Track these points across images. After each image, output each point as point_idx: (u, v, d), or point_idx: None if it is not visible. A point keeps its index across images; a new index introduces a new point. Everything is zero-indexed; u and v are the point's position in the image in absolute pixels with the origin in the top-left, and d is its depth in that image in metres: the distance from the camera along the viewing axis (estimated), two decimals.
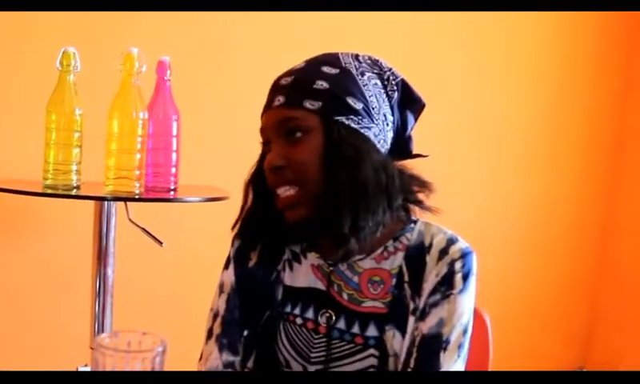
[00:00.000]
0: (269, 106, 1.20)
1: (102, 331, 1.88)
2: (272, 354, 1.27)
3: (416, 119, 1.30)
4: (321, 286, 1.26)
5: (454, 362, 1.16)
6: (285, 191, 1.17)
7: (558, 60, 3.30)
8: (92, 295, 1.90)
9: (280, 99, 1.17)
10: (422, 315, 1.18)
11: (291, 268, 1.30)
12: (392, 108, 1.23)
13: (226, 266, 1.34)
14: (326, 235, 1.22)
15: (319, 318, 1.24)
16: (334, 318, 1.23)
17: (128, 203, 1.87)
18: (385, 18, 2.72)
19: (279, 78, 1.20)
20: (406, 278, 1.22)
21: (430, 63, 2.93)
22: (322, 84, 1.15)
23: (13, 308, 2.11)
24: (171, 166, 1.89)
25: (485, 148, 3.19)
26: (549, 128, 3.36)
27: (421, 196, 1.26)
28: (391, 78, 1.23)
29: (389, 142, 1.23)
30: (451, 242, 1.22)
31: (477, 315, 1.53)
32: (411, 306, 1.20)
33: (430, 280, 1.19)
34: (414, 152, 1.30)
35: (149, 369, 0.90)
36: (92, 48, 1.90)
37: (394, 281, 1.22)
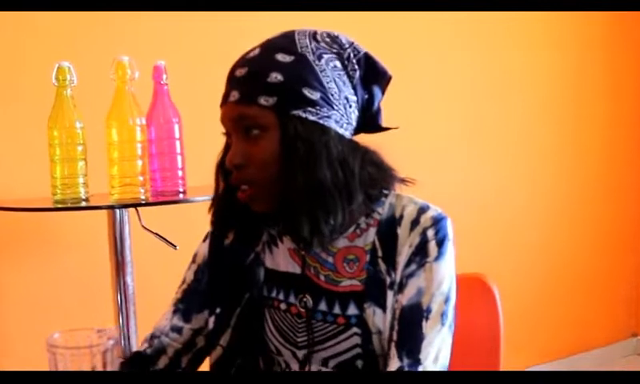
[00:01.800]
0: (225, 100, 1.16)
1: (129, 341, 1.90)
2: (261, 342, 1.26)
3: (383, 92, 1.24)
4: (298, 269, 1.24)
5: (438, 331, 1.13)
6: (244, 189, 1.16)
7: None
8: (114, 306, 1.92)
9: (235, 95, 1.13)
10: (400, 288, 1.15)
11: (270, 251, 1.28)
12: (355, 87, 1.18)
13: (204, 239, 1.34)
14: (289, 234, 1.20)
15: (299, 302, 1.23)
16: (310, 301, 1.21)
17: (139, 210, 1.89)
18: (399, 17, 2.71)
19: (234, 68, 1.16)
20: (380, 253, 1.19)
21: (452, 60, 2.94)
22: (275, 76, 1.10)
23: (36, 326, 2.15)
24: (178, 169, 1.90)
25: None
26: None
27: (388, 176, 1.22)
28: (352, 55, 1.17)
29: (354, 122, 1.19)
30: (422, 210, 1.18)
31: (484, 287, 1.49)
32: (388, 280, 1.17)
33: (404, 252, 1.16)
34: (384, 125, 1.26)
35: (99, 364, 0.89)
36: (87, 59, 1.92)
37: (368, 257, 1.19)
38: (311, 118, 1.11)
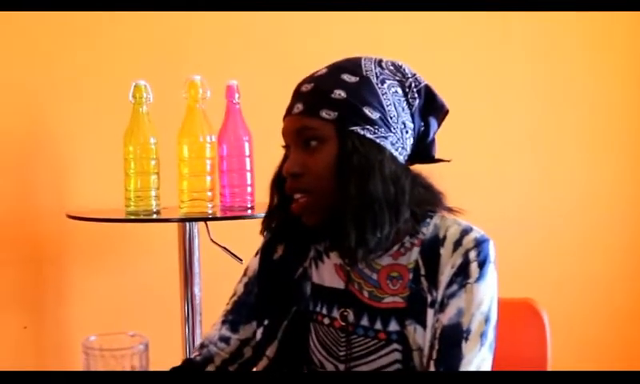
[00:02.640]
0: (289, 112, 1.23)
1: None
2: (305, 356, 1.29)
3: (439, 124, 1.29)
4: (342, 284, 1.27)
5: (478, 351, 1.13)
6: (300, 198, 1.20)
7: None
8: (182, 316, 1.99)
9: (299, 107, 1.19)
10: (441, 307, 1.17)
11: (317, 266, 1.32)
12: (413, 115, 1.23)
13: (256, 254, 1.39)
14: (337, 248, 1.23)
15: (340, 316, 1.26)
16: (352, 315, 1.24)
17: (208, 224, 1.95)
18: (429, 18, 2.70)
19: (301, 84, 1.23)
20: (422, 271, 1.21)
21: (498, 62, 2.87)
22: (339, 93, 1.17)
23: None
24: (247, 186, 1.96)
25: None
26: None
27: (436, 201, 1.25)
28: (413, 84, 1.23)
29: (408, 148, 1.23)
30: (465, 232, 1.20)
31: (533, 311, 1.48)
32: (429, 298, 1.19)
33: (446, 272, 1.18)
34: (437, 157, 1.30)
35: (130, 366, 0.94)
36: (162, 78, 2.01)
37: (411, 275, 1.21)
38: (369, 135, 1.16)
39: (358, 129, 1.16)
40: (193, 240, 1.99)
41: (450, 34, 2.78)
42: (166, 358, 1.82)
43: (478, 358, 1.13)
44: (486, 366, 1.15)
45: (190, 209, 1.87)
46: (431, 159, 1.30)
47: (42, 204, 2.17)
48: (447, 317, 1.15)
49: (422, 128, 1.26)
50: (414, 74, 1.24)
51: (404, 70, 1.24)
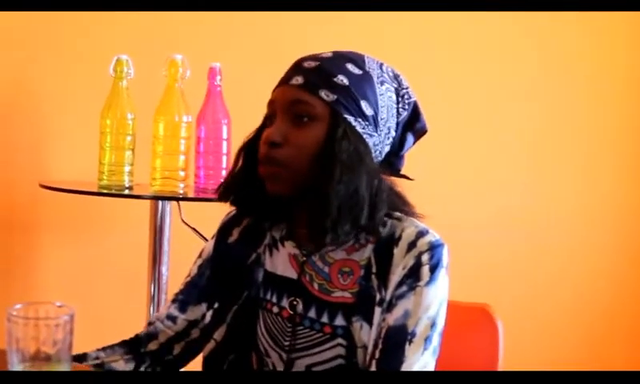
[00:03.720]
0: (285, 81, 1.21)
1: None
2: (252, 343, 1.30)
3: (414, 142, 1.31)
4: (294, 275, 1.27)
5: (420, 354, 1.13)
6: (271, 166, 1.19)
7: None
8: (147, 294, 1.99)
9: (299, 79, 1.19)
10: (389, 307, 1.16)
11: (271, 253, 1.31)
12: (397, 125, 1.25)
13: (213, 237, 1.39)
14: (304, 222, 1.22)
15: (289, 305, 1.25)
16: (301, 306, 1.24)
17: (180, 204, 1.95)
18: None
19: (303, 59, 1.23)
20: (374, 269, 1.20)
21: (495, 63, 2.85)
22: (342, 79, 1.18)
23: (69, 303, 2.24)
24: (222, 169, 1.95)
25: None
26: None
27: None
28: (406, 96, 1.25)
29: (383, 154, 1.25)
30: (421, 234, 1.19)
31: (487, 317, 1.47)
32: (377, 297, 1.18)
33: (397, 272, 1.17)
34: (402, 173, 1.31)
35: (57, 335, 0.93)
36: (144, 54, 2.00)
37: (362, 272, 1.21)
38: (359, 128, 1.17)
39: (351, 119, 1.17)
40: (164, 219, 1.99)
41: (447, 35, 2.76)
42: (129, 334, 1.83)
43: (420, 362, 1.13)
44: (428, 370, 1.14)
45: (161, 187, 1.87)
46: (396, 173, 1.30)
47: (17, 172, 2.17)
48: (394, 317, 1.15)
49: (399, 141, 1.27)
50: (408, 87, 1.27)
51: (401, 79, 1.26)
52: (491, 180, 2.92)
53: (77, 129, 2.19)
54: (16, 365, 0.93)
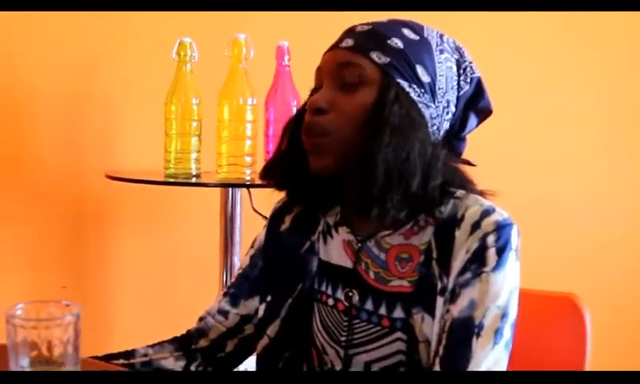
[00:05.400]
0: (334, 46, 1.13)
1: None
2: (308, 339, 1.20)
3: (478, 124, 1.19)
4: (349, 263, 1.16)
5: (490, 349, 0.99)
6: (316, 135, 1.09)
7: None
8: (219, 285, 1.92)
9: (349, 42, 1.10)
10: (452, 297, 1.04)
11: (325, 241, 1.21)
12: (458, 99, 1.14)
13: (265, 225, 1.31)
14: (351, 195, 1.12)
15: (344, 297, 1.15)
16: (357, 297, 1.13)
17: (251, 191, 1.87)
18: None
19: (356, 25, 1.14)
20: (435, 254, 1.07)
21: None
22: (397, 42, 1.08)
23: (142, 297, 2.22)
24: None
25: None
26: None
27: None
28: (468, 70, 1.15)
29: (442, 132, 1.13)
30: (486, 213, 1.05)
31: (573, 307, 1.32)
32: (439, 285, 1.06)
33: (460, 257, 1.04)
34: (464, 157, 1.19)
35: (62, 336, 0.86)
36: (208, 36, 1.92)
37: (421, 258, 1.09)
38: (413, 95, 1.07)
39: (405, 84, 1.07)
40: (235, 207, 1.92)
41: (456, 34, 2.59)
42: None
43: (490, 358, 0.99)
44: (500, 367, 1.01)
45: (227, 174, 1.80)
46: (457, 156, 1.18)
47: (85, 163, 2.15)
48: (458, 309, 1.02)
49: (460, 120, 1.16)
50: (472, 61, 1.16)
51: (463, 52, 1.16)
52: (580, 162, 2.77)
53: (142, 116, 2.15)
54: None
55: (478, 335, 1.00)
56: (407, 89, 1.06)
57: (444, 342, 1.01)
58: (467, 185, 1.11)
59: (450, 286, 1.04)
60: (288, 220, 1.26)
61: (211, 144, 1.83)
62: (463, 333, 1.00)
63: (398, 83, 1.06)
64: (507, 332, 1.01)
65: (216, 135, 1.81)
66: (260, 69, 1.83)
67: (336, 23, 1.31)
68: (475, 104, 1.16)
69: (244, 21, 2.18)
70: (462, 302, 1.02)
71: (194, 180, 1.82)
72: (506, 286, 1.02)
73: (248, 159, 1.80)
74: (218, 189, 1.92)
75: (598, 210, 2.76)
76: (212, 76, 1.80)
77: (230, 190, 1.90)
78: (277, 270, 1.24)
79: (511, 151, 2.59)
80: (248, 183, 1.80)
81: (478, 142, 1.28)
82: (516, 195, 2.38)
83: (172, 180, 1.81)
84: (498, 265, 1.02)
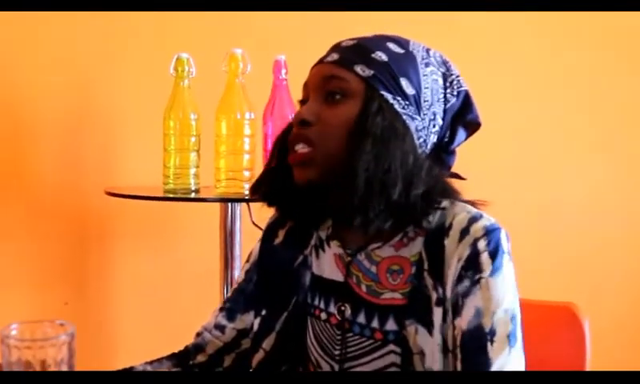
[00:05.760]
0: (321, 60, 1.15)
1: None
2: (302, 353, 1.20)
3: (467, 137, 1.20)
4: (341, 277, 1.17)
5: (507, 354, 1.00)
6: (301, 147, 1.10)
7: None
8: (220, 298, 1.92)
9: (334, 56, 1.12)
10: (457, 309, 1.04)
11: (317, 255, 1.22)
12: (445, 112, 1.14)
13: (259, 239, 1.32)
14: (333, 206, 1.12)
15: (337, 311, 1.16)
16: (349, 311, 1.14)
17: (251, 205, 1.88)
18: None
19: (342, 40, 1.16)
20: (426, 265, 1.08)
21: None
22: (381, 55, 1.09)
23: (143, 312, 2.22)
24: None
25: None
26: None
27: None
28: (455, 83, 1.15)
29: (429, 145, 1.13)
30: (473, 219, 1.06)
31: (573, 318, 1.32)
32: (434, 296, 1.06)
33: (453, 265, 1.05)
34: (456, 169, 1.20)
35: (56, 356, 0.87)
36: (205, 51, 1.93)
37: (413, 269, 1.09)
38: (397, 107, 1.08)
39: (389, 96, 1.08)
40: (234, 222, 1.92)
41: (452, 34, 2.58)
42: None
43: (510, 362, 1.00)
44: (520, 368, 1.02)
45: (225, 189, 1.80)
46: (446, 170, 1.19)
47: (86, 179, 2.16)
48: (465, 320, 1.02)
49: (449, 133, 1.17)
50: (458, 75, 1.17)
51: (449, 65, 1.17)
52: (574, 169, 2.76)
53: (141, 132, 2.16)
54: None
55: (492, 341, 1.00)
56: (391, 101, 1.07)
57: (459, 356, 1.02)
58: (453, 194, 1.12)
59: (449, 296, 1.04)
60: (281, 234, 1.27)
61: (210, 159, 1.84)
62: (476, 342, 1.01)
63: (382, 95, 1.07)
64: (519, 334, 1.02)
65: (214, 150, 1.81)
66: (257, 83, 1.84)
67: (333, 36, 1.33)
68: (463, 117, 1.17)
69: (240, 35, 2.20)
70: (468, 313, 1.02)
71: (193, 195, 1.83)
72: (507, 288, 1.03)
73: (246, 173, 1.80)
74: (218, 204, 1.93)
75: (595, 215, 2.75)
76: (209, 91, 1.81)
77: (230, 204, 1.90)
78: (271, 284, 1.24)
79: (506, 155, 2.59)
80: (247, 197, 1.80)
81: (473, 146, 1.28)
82: (513, 200, 2.41)
83: (171, 195, 1.82)
84: (495, 269, 1.03)
